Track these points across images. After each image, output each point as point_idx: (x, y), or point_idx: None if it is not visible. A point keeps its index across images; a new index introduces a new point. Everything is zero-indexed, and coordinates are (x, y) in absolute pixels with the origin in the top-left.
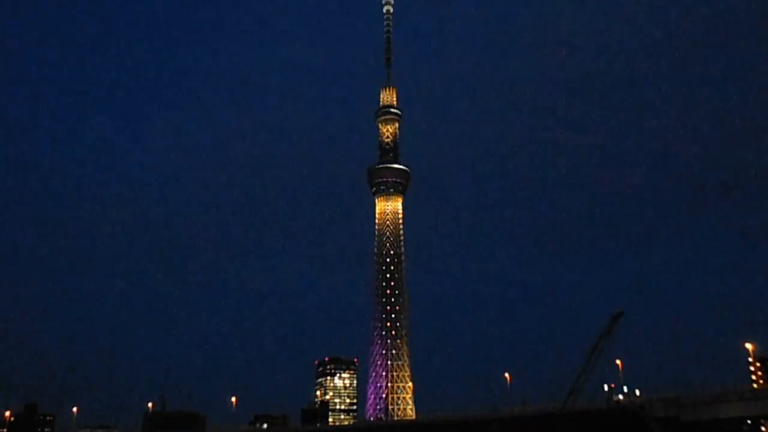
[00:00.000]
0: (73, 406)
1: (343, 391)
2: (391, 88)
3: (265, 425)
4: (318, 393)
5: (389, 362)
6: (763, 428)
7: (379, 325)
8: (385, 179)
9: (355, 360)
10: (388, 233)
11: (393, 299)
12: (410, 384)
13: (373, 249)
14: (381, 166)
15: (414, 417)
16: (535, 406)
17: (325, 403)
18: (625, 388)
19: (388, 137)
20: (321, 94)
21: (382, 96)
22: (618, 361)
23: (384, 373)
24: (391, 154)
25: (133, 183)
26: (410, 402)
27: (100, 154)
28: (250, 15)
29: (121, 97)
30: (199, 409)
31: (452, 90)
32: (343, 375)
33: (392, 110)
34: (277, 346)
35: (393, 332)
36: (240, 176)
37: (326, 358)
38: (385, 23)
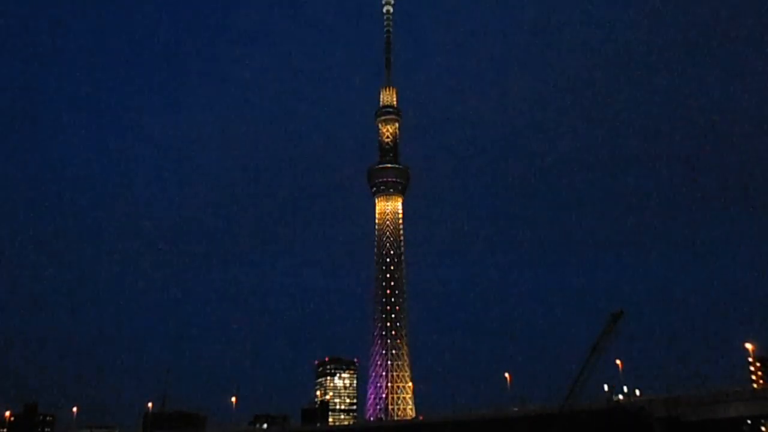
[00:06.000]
0: (73, 406)
1: (343, 391)
2: (391, 88)
3: (265, 425)
4: (318, 393)
5: (389, 362)
6: (763, 428)
7: (379, 325)
8: (385, 179)
9: (355, 360)
10: (388, 233)
11: (393, 299)
12: (410, 384)
13: (373, 249)
14: (381, 166)
15: (414, 417)
16: (535, 406)
17: (325, 403)
18: (625, 388)
19: (388, 137)
20: (321, 94)
21: (382, 96)
22: (618, 361)
23: (384, 373)
24: (391, 154)
25: (133, 183)
26: (410, 402)
27: (100, 155)
28: (249, 15)
29: (121, 98)
30: (199, 409)
31: (452, 90)
32: (343, 375)
33: (392, 110)
34: (277, 346)
35: (393, 332)
36: (240, 176)
37: (326, 358)
38: (385, 23)
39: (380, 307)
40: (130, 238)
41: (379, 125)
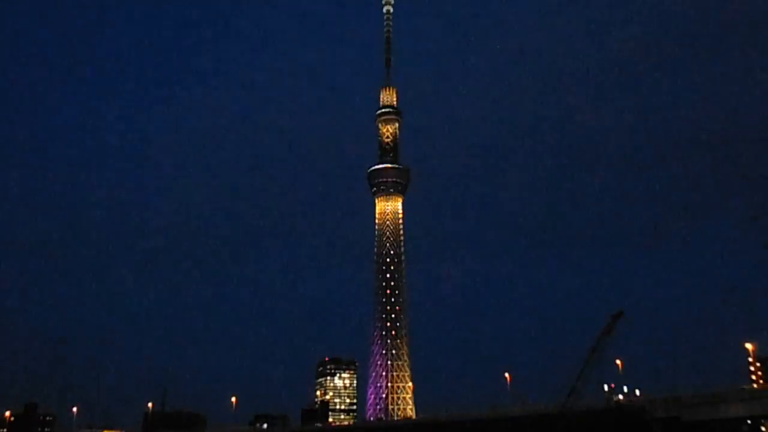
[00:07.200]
0: (73, 406)
1: (343, 391)
2: (391, 88)
3: (265, 425)
4: (318, 393)
5: (389, 362)
6: (763, 428)
7: (379, 325)
8: (385, 179)
9: (355, 360)
10: (388, 233)
11: (393, 299)
12: (410, 384)
13: (373, 249)
14: (381, 166)
15: (414, 417)
16: (535, 406)
17: (325, 403)
18: (625, 388)
19: (388, 137)
20: (321, 95)
21: (382, 96)
22: (618, 361)
23: (384, 373)
24: (391, 154)
25: (133, 183)
26: (410, 402)
27: (100, 155)
28: (250, 15)
29: (121, 98)
30: (199, 409)
31: (452, 90)
32: (343, 375)
33: (392, 110)
34: (277, 346)
35: (393, 332)
36: (240, 176)
37: (326, 358)
38: (385, 23)
39: (380, 307)
40: (131, 238)
41: (379, 125)
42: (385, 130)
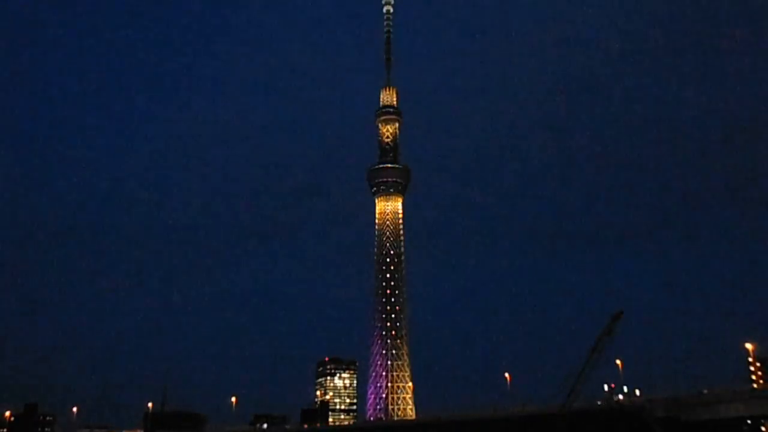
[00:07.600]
0: (73, 406)
1: (343, 391)
2: (391, 88)
3: (265, 425)
4: (318, 393)
5: (389, 362)
6: (763, 428)
7: (379, 325)
8: (385, 179)
9: (355, 360)
10: (388, 233)
11: (393, 299)
12: (410, 384)
13: (373, 249)
14: (381, 166)
15: (414, 417)
16: (535, 406)
17: (325, 403)
18: (625, 388)
19: (388, 137)
20: (321, 95)
21: (382, 96)
22: (618, 361)
23: (384, 373)
24: (391, 154)
25: (132, 184)
26: (410, 402)
27: (99, 156)
28: (249, 15)
29: (120, 99)
30: (199, 409)
31: (452, 90)
32: (343, 375)
33: (392, 110)
34: (277, 346)
35: (393, 332)
36: (240, 176)
37: (326, 358)
38: (385, 23)
39: (380, 307)
40: (130, 238)
41: (379, 125)
42: (385, 130)
